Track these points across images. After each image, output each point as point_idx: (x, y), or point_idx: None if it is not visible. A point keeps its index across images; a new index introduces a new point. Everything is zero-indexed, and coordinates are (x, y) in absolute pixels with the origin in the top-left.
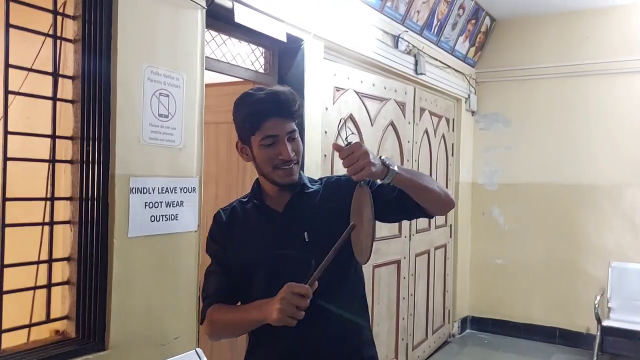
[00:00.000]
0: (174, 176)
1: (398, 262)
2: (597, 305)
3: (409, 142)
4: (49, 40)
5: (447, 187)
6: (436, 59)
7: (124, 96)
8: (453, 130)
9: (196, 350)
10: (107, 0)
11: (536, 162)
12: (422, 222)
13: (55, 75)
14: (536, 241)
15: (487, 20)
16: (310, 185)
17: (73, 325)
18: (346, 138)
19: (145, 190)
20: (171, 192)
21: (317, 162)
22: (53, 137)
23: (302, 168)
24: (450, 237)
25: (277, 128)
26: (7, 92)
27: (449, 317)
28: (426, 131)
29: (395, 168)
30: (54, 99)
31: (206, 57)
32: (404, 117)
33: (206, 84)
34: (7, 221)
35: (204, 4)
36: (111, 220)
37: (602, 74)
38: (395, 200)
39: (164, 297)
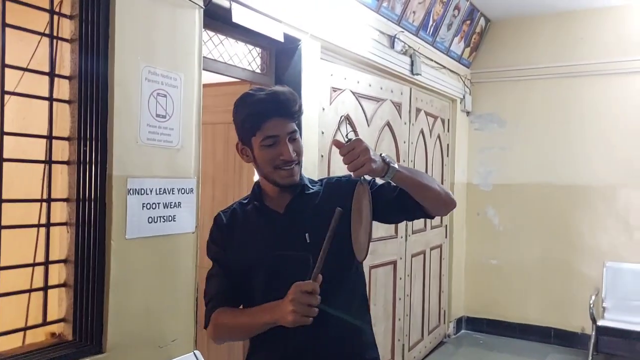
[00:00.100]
0: (172, 177)
1: (394, 263)
2: (591, 305)
3: (405, 142)
4: (45, 40)
5: None
6: (431, 60)
7: (121, 96)
8: (448, 130)
9: (194, 353)
10: (105, 0)
11: (531, 162)
12: (417, 222)
13: (52, 75)
14: (531, 241)
15: (482, 21)
16: (310, 186)
17: (70, 327)
18: (347, 135)
19: (142, 191)
20: (169, 193)
21: (314, 162)
22: (50, 137)
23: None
24: (446, 237)
25: (278, 128)
26: (2, 92)
27: (445, 317)
28: (422, 131)
29: (396, 166)
30: (51, 99)
31: (203, 57)
32: (400, 117)
33: (203, 84)
34: (2, 223)
35: (201, 3)
36: (109, 221)
37: (596, 74)
38: (396, 200)
39: (162, 299)
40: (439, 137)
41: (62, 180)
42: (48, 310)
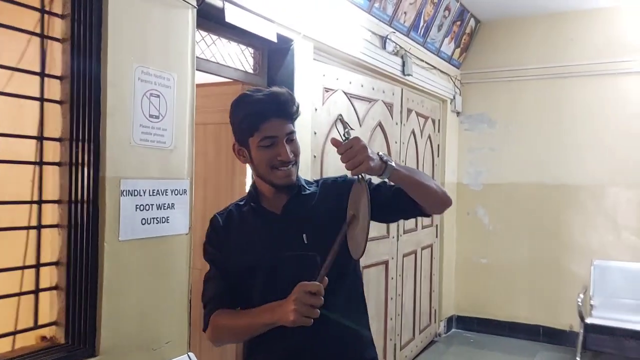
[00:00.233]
0: (165, 178)
1: (386, 263)
2: (580, 303)
3: (396, 142)
4: (35, 40)
5: None
6: (422, 60)
7: (114, 97)
8: (439, 131)
9: (188, 355)
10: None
11: (520, 162)
12: (409, 222)
13: (43, 75)
14: (520, 241)
15: (472, 22)
16: (307, 187)
17: (62, 331)
18: (344, 133)
19: (136, 192)
20: (162, 195)
21: (307, 163)
22: (41, 138)
23: None
24: (436, 237)
25: (276, 129)
26: None
27: (435, 316)
28: (413, 132)
29: (393, 164)
30: (42, 99)
31: (196, 57)
32: (392, 117)
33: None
34: None
35: (194, 3)
36: (102, 223)
37: (585, 75)
38: (392, 199)
39: (155, 301)
40: (429, 137)
41: (54, 182)
42: (39, 313)
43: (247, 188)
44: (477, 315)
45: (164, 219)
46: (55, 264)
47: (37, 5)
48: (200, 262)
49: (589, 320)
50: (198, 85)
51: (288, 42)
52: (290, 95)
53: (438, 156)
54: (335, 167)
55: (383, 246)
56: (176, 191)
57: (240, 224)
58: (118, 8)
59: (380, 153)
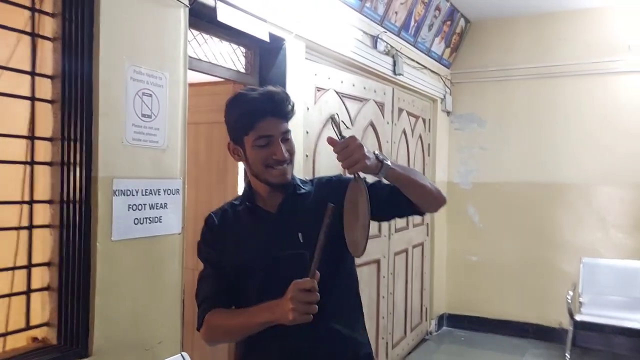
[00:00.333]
0: (158, 178)
1: (378, 262)
2: (569, 301)
3: (387, 142)
4: (25, 39)
5: None
6: (413, 60)
7: (106, 96)
8: (429, 130)
9: (182, 355)
10: None
11: (510, 161)
12: (400, 221)
13: (33, 74)
14: (510, 239)
15: (462, 22)
16: (302, 187)
17: (54, 331)
18: (340, 132)
19: (128, 192)
20: (155, 194)
21: (299, 162)
22: (32, 138)
23: None
24: (427, 235)
25: (272, 128)
26: None
27: (426, 315)
28: (404, 131)
29: (389, 163)
30: (33, 98)
31: (188, 56)
32: (383, 117)
33: None
34: None
35: (186, 2)
36: (94, 223)
37: (574, 75)
38: (387, 198)
39: (148, 300)
40: (420, 136)
41: (45, 182)
42: (30, 314)
43: (239, 188)
44: (468, 313)
45: (156, 219)
46: (47, 264)
47: (28, 3)
48: (192, 262)
49: (578, 318)
50: (189, 85)
51: (280, 42)
52: (285, 94)
53: (429, 155)
54: (328, 167)
55: (375, 245)
56: (169, 191)
57: (236, 223)
58: (109, 6)
59: (376, 152)
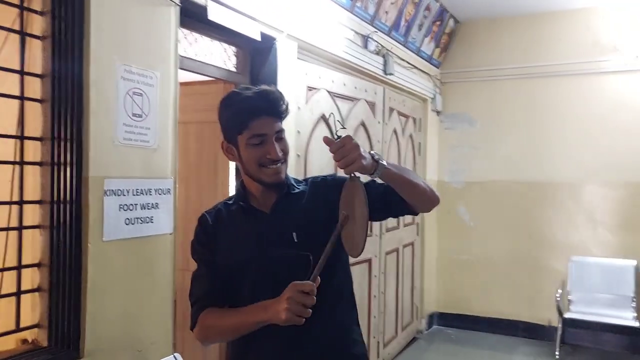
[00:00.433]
0: (149, 177)
1: (369, 261)
2: (558, 299)
3: (378, 141)
4: (12, 37)
5: None
6: (403, 60)
7: (96, 95)
8: (420, 129)
9: (174, 356)
10: None
11: (500, 160)
12: (391, 220)
13: (22, 73)
14: (500, 237)
15: (451, 22)
16: (296, 186)
17: (45, 333)
18: (336, 132)
19: (120, 192)
20: (146, 194)
21: (291, 161)
22: (21, 138)
23: None
24: (418, 234)
25: (266, 127)
26: None
27: (417, 313)
28: (395, 131)
29: (384, 163)
30: (22, 98)
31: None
32: (374, 117)
33: None
34: None
35: (177, 1)
36: (85, 223)
37: (563, 75)
38: (382, 198)
39: (140, 301)
40: (411, 136)
41: (34, 182)
42: (20, 316)
43: (230, 188)
44: (458, 311)
45: (148, 219)
46: (37, 265)
47: (16, 1)
48: (182, 263)
49: (567, 315)
50: (179, 84)
51: (271, 41)
52: (279, 93)
53: (419, 155)
54: (319, 166)
55: (366, 244)
56: (160, 190)
57: (229, 222)
58: (100, 5)
59: (372, 151)
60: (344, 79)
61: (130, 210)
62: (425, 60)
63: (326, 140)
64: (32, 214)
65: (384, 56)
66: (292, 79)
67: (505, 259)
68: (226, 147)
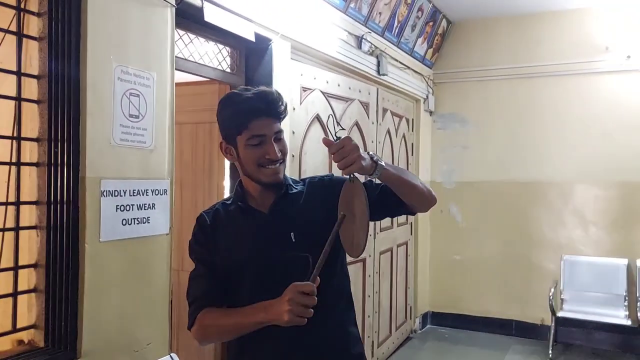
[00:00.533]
0: (145, 178)
1: (364, 261)
2: (551, 297)
3: (372, 142)
4: (9, 38)
5: None
6: (397, 60)
7: (93, 96)
8: (413, 130)
9: (170, 356)
10: None
11: (492, 160)
12: (385, 220)
13: (19, 74)
14: (492, 237)
15: (444, 23)
16: (294, 186)
17: (41, 334)
18: (335, 133)
19: (116, 193)
20: (142, 195)
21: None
22: (18, 138)
23: None
24: (411, 234)
25: (265, 128)
26: None
27: (411, 313)
28: (388, 131)
29: (383, 163)
30: (19, 99)
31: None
32: (368, 117)
33: None
34: None
35: (173, 2)
36: (82, 224)
37: (555, 75)
38: (379, 198)
39: (137, 302)
40: (404, 136)
41: (31, 183)
42: (17, 316)
43: (225, 189)
44: (451, 311)
45: (144, 220)
46: (34, 266)
47: (13, 3)
48: (177, 263)
49: (560, 314)
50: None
51: (266, 42)
52: (278, 94)
53: (412, 155)
54: (314, 167)
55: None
56: (156, 191)
57: (228, 222)
58: (96, 6)
59: (371, 152)
60: (338, 79)
61: (127, 210)
62: (418, 60)
63: (326, 142)
64: (29, 215)
65: (377, 57)
66: (286, 80)
67: (498, 258)
68: (225, 148)
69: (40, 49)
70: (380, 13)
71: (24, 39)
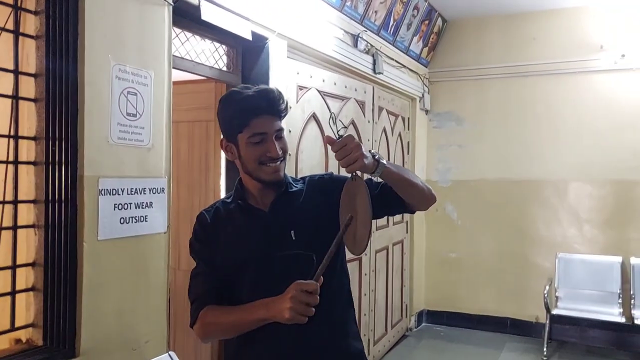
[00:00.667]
0: (143, 177)
1: (360, 259)
2: (545, 295)
3: (368, 140)
4: (5, 36)
5: None
6: (392, 59)
7: (91, 95)
8: (408, 128)
9: (169, 354)
10: None
11: (487, 159)
12: (381, 219)
13: (17, 72)
14: (488, 235)
15: (439, 21)
16: (294, 185)
17: (40, 332)
18: (338, 131)
19: (114, 191)
20: (140, 193)
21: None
22: (15, 137)
23: None
24: (407, 232)
25: (266, 126)
26: None
27: (407, 311)
28: (384, 130)
29: (384, 162)
30: (16, 97)
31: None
32: (364, 115)
33: None
34: None
35: (170, 0)
36: (80, 223)
37: (550, 74)
38: (379, 196)
39: (135, 300)
40: (399, 135)
41: (29, 181)
42: (15, 315)
43: (221, 187)
44: (447, 309)
45: (142, 218)
46: (32, 264)
47: (10, 1)
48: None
49: (554, 312)
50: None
51: (263, 40)
52: (279, 92)
53: (408, 153)
54: (310, 165)
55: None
56: (154, 190)
57: (228, 220)
58: (94, 4)
59: (372, 151)
60: (335, 78)
61: (125, 209)
62: (414, 59)
63: (328, 140)
64: (27, 214)
65: (373, 55)
66: (283, 78)
67: (492, 256)
68: (225, 146)
69: (38, 47)
70: (376, 11)
71: (21, 37)
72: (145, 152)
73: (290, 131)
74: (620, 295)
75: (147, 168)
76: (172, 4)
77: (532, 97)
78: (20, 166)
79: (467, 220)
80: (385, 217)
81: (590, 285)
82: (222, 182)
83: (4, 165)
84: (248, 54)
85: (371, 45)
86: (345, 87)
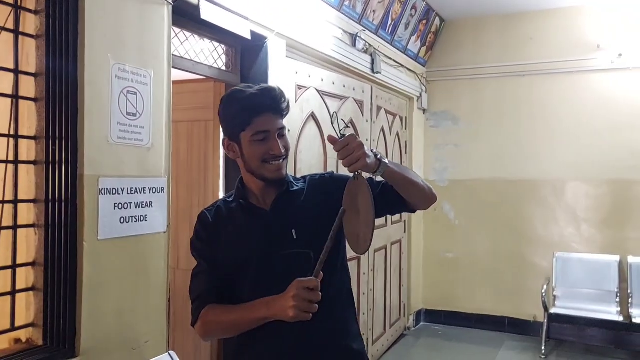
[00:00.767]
0: (143, 176)
1: (358, 258)
2: (543, 294)
3: (367, 140)
4: (5, 36)
5: None
6: (390, 58)
7: (91, 94)
8: (406, 128)
9: (169, 353)
10: None
11: (484, 158)
12: (379, 218)
13: (17, 72)
14: (485, 234)
15: (437, 21)
16: (295, 184)
17: (40, 332)
18: (340, 131)
19: (114, 191)
20: (140, 193)
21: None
22: (15, 137)
23: None
24: (405, 232)
25: (269, 124)
26: None
27: (405, 310)
28: (382, 129)
29: (386, 161)
30: (16, 96)
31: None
32: (362, 115)
33: None
34: None
35: (170, 0)
36: (80, 222)
37: (547, 73)
38: (380, 196)
39: (135, 300)
40: (397, 134)
41: (29, 181)
42: (15, 315)
43: (221, 187)
44: (445, 308)
45: (142, 218)
46: (32, 264)
47: (10, 0)
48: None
49: (552, 311)
50: None
51: (262, 40)
52: (281, 91)
53: (406, 153)
54: (309, 164)
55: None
56: (154, 189)
57: (229, 219)
58: (94, 4)
59: (374, 150)
60: (333, 77)
61: (125, 208)
62: (412, 58)
63: (331, 139)
64: (27, 213)
65: (371, 55)
66: (282, 78)
67: (490, 256)
68: (227, 145)
69: (38, 47)
70: (374, 11)
71: (21, 37)
72: (145, 152)
73: (289, 130)
74: (618, 294)
75: (147, 167)
76: (172, 3)
77: (529, 97)
78: (20, 166)
79: (464, 219)
80: (384, 217)
81: (588, 284)
82: (221, 181)
83: (4, 165)
84: (247, 53)
85: (369, 44)
86: (344, 86)
